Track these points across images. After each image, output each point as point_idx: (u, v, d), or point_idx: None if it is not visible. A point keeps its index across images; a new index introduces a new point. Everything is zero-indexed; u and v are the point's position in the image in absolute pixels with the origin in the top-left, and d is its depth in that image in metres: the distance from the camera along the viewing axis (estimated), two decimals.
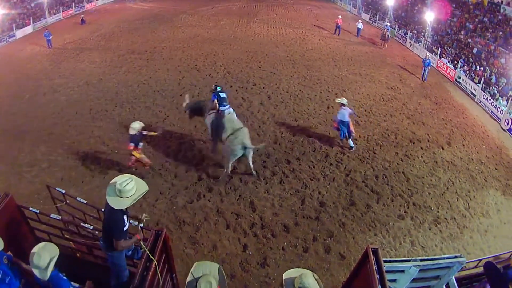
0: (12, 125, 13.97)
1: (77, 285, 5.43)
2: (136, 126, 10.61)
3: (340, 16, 30.55)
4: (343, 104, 12.91)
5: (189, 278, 4.55)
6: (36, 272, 4.76)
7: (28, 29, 29.74)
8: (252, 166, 11.69)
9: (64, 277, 5.15)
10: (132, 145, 10.73)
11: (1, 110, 15.12)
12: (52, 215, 6.91)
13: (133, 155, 10.91)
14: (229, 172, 11.53)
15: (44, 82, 18.40)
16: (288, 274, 4.56)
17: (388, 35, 28.79)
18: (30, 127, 13.96)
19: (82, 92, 17.37)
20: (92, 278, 6.33)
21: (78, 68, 20.50)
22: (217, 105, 11.61)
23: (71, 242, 7.80)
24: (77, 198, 7.81)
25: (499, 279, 6.07)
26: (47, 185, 8.22)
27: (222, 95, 11.71)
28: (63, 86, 17.95)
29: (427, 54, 24.21)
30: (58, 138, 13.41)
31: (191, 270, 4.63)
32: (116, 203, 4.92)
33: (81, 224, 7.64)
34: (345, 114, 12.85)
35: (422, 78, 22.22)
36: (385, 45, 28.65)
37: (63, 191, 7.86)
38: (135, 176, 5.11)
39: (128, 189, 4.90)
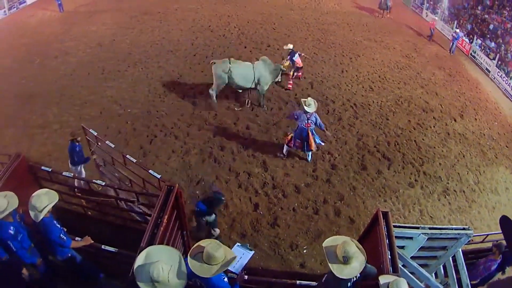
0: (23, 88, 13.71)
1: (79, 238, 5.59)
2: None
3: (436, 19, 25.95)
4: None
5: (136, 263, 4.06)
6: (31, 213, 4.89)
7: None
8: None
9: (58, 225, 5.24)
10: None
11: (12, 75, 14.72)
12: (64, 173, 6.91)
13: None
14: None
15: (55, 45, 17.84)
16: (327, 242, 4.35)
17: (388, 5, 26.33)
18: (41, 89, 13.70)
19: (94, 53, 16.98)
20: (100, 234, 6.62)
21: (90, 30, 19.87)
22: None
23: (82, 200, 7.99)
24: (106, 142, 7.94)
25: None
26: (82, 126, 8.53)
27: None
28: (75, 48, 17.48)
29: (456, 30, 22.95)
30: (69, 99, 13.19)
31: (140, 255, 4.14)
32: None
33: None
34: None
35: (450, 51, 21.90)
36: (385, 14, 26.72)
37: (95, 133, 8.11)
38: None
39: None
